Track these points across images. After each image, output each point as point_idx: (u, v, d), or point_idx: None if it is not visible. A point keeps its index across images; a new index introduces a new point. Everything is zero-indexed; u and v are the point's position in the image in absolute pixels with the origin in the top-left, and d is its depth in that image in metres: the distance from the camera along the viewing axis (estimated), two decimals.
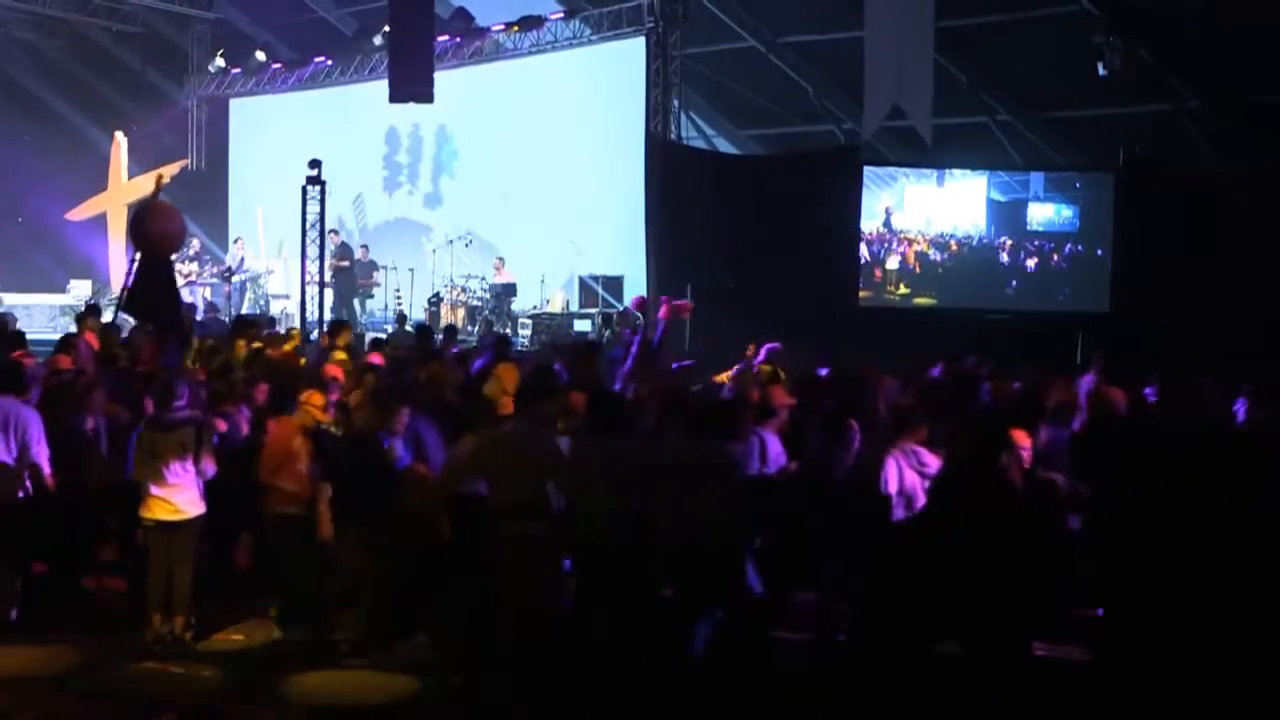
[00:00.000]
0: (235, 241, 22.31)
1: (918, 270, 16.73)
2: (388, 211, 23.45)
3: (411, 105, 18.50)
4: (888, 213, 16.59)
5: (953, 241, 16.66)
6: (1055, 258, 16.46)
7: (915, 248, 16.59)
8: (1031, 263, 16.53)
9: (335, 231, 21.24)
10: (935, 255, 16.72)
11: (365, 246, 21.06)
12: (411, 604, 7.63)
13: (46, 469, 7.77)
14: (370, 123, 22.42)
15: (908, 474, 7.00)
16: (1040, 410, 8.14)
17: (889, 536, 6.84)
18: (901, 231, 16.65)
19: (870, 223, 16.61)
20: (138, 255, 10.59)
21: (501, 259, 19.58)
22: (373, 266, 20.64)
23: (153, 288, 10.28)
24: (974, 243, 16.63)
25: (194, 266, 21.10)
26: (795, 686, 6.86)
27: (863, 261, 16.65)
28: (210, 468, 7.59)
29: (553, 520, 6.83)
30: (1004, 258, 16.63)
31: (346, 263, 20.27)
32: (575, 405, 7.70)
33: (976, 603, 5.93)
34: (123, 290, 10.80)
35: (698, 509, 6.62)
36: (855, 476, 7.26)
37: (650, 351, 10.75)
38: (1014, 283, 16.60)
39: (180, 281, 20.64)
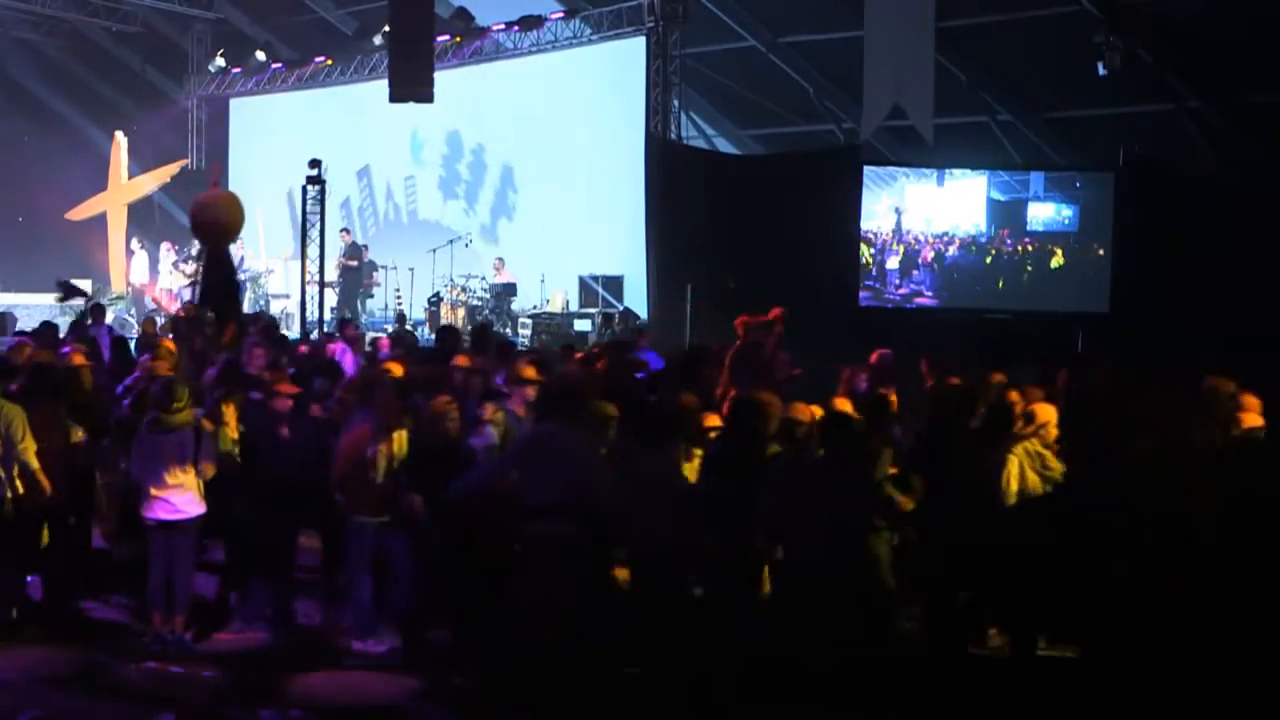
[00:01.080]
0: (239, 241, 22.29)
1: (918, 270, 16.72)
2: (387, 211, 23.45)
3: (411, 105, 18.51)
4: (898, 212, 16.60)
5: (953, 241, 16.65)
6: (1055, 257, 16.46)
7: (930, 247, 16.59)
8: (1031, 262, 16.53)
9: (346, 230, 21.24)
10: (935, 255, 16.71)
11: (365, 246, 21.06)
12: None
13: (34, 464, 7.64)
14: (369, 122, 22.41)
15: (1029, 475, 6.99)
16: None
17: (1007, 536, 6.81)
18: (907, 231, 16.65)
19: (872, 222, 16.61)
20: (203, 247, 10.44)
21: (501, 259, 19.59)
22: (372, 267, 20.65)
23: (221, 277, 10.14)
24: (974, 242, 16.63)
25: (197, 266, 21.08)
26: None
27: (863, 261, 16.65)
28: (209, 468, 7.59)
29: (584, 524, 6.70)
30: (1004, 257, 16.63)
31: (355, 262, 20.27)
32: (690, 409, 7.49)
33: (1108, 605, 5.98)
34: (204, 287, 10.57)
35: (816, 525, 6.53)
36: (974, 476, 7.14)
37: (758, 362, 10.38)
38: (1014, 282, 16.59)
39: (183, 281, 20.81)
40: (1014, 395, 7.94)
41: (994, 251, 16.60)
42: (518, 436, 7.54)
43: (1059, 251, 16.42)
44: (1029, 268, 16.52)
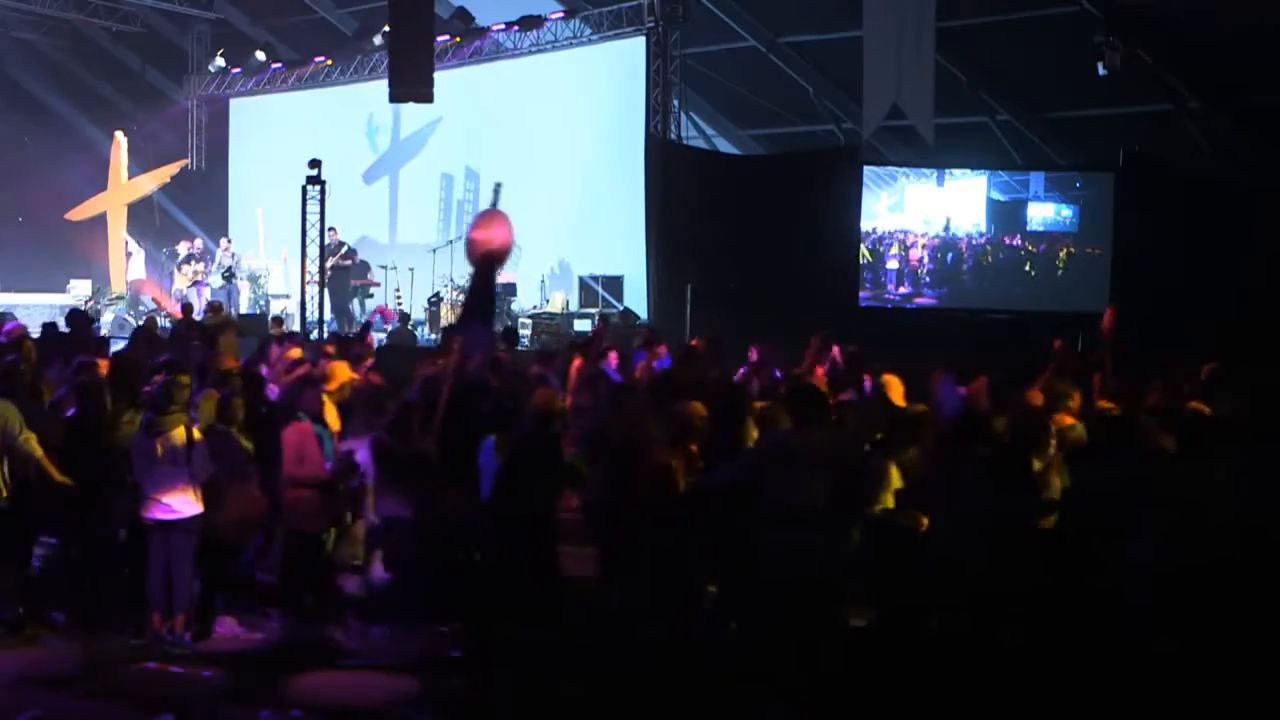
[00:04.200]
0: (227, 241, 22.27)
1: (918, 270, 16.74)
2: (387, 210, 23.45)
3: (411, 105, 18.49)
4: (893, 212, 16.63)
5: (953, 241, 16.66)
6: (1055, 257, 16.47)
7: (919, 247, 16.61)
8: (1031, 262, 16.55)
9: (334, 229, 21.19)
10: (935, 255, 16.72)
11: (354, 250, 20.93)
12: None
13: (38, 452, 7.64)
14: (368, 121, 22.40)
15: None
16: None
17: None
18: (906, 231, 16.66)
19: (870, 223, 16.62)
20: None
21: None
22: (366, 267, 20.62)
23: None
24: (974, 243, 16.64)
25: (200, 266, 21.16)
26: None
27: (863, 261, 16.67)
28: (204, 468, 7.57)
29: (832, 536, 6.43)
30: (1004, 257, 16.64)
31: (348, 261, 20.22)
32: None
33: None
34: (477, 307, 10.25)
35: None
36: None
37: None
38: (1014, 282, 16.60)
39: (187, 282, 20.83)
40: None
41: (994, 252, 16.62)
42: (765, 439, 7.09)
43: (1059, 251, 16.44)
44: (1029, 268, 16.53)
